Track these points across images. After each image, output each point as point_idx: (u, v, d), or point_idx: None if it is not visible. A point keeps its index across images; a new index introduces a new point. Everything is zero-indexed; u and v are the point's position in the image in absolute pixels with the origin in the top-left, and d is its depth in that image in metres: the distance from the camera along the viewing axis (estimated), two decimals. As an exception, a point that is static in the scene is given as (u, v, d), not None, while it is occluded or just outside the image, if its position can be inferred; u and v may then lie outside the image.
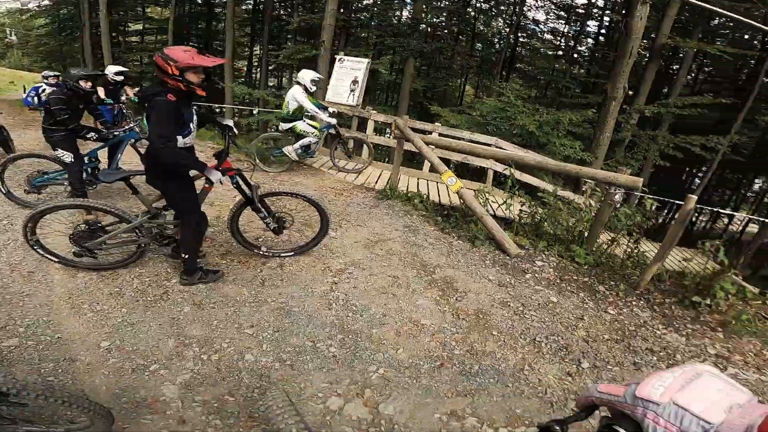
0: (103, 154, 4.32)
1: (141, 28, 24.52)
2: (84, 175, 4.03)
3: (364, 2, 17.04)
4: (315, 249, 3.48)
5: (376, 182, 5.84)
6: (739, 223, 19.83)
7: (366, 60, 7.29)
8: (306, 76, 5.46)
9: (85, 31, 19.64)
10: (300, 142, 5.56)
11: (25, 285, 2.72)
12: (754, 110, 12.02)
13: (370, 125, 7.17)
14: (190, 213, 2.71)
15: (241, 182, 2.91)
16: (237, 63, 20.73)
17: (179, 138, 2.51)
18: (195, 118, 2.65)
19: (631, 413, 0.50)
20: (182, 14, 21.04)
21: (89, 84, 4.03)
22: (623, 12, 12.44)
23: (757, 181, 19.14)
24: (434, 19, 16.45)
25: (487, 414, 2.07)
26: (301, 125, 5.54)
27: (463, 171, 9.31)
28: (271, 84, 21.60)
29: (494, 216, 4.33)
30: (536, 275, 3.53)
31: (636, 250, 4.04)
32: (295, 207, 4.07)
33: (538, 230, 4.32)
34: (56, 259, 2.87)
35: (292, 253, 3.37)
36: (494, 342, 2.60)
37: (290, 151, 5.60)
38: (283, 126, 5.60)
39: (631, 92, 11.09)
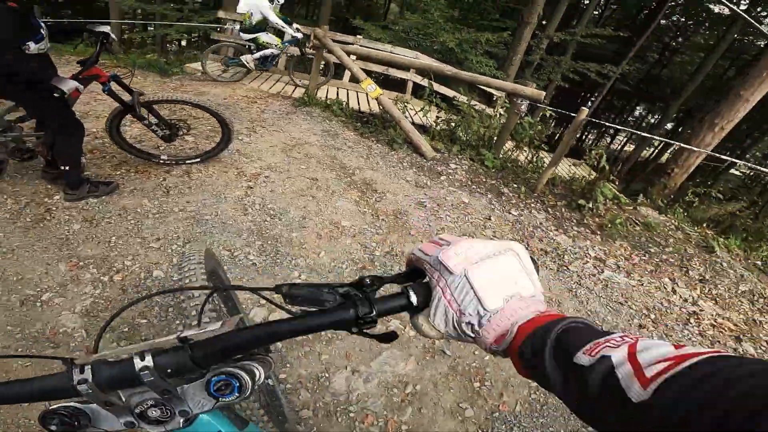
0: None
1: None
2: None
3: None
4: (226, 155, 3.23)
5: (293, 92, 5.53)
6: (619, 142, 22.93)
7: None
8: None
9: None
10: (261, 53, 5.45)
11: None
12: (645, 48, 13.19)
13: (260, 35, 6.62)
14: (61, 123, 2.33)
15: (117, 89, 2.52)
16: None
17: (30, 44, 2.10)
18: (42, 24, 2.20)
19: (429, 277, 0.43)
20: None
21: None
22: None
23: (638, 108, 22.01)
24: None
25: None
26: (264, 37, 5.40)
27: (385, 84, 9.22)
28: None
29: (412, 123, 4.39)
30: (450, 177, 3.69)
31: (536, 157, 4.41)
32: (193, 115, 3.69)
33: (453, 136, 4.49)
34: None
35: (198, 160, 3.08)
36: (412, 242, 2.71)
37: (248, 60, 5.44)
38: (245, 36, 5.43)
39: (544, 22, 11.52)
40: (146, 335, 1.86)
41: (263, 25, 5.35)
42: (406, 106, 4.55)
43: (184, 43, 16.13)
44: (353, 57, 4.65)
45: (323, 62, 5.99)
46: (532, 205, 3.57)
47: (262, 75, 6.21)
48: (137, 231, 2.35)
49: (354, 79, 5.14)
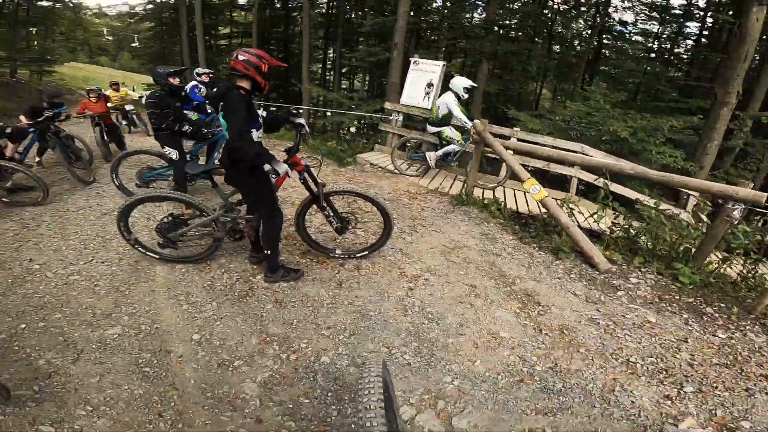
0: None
1: (228, 31, 26.61)
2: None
3: (435, 4, 17.06)
4: (390, 252, 3.55)
5: (450, 187, 5.78)
6: None
7: (441, 62, 7.21)
8: (459, 83, 5.51)
9: (183, 34, 21.53)
10: (443, 149, 5.69)
11: (132, 274, 3.06)
12: None
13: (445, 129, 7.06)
14: (267, 206, 2.87)
15: (308, 179, 3.02)
16: (312, 66, 21.54)
17: (253, 132, 2.65)
18: (260, 114, 2.82)
19: None
20: (263, 18, 22.41)
21: (177, 80, 4.35)
22: (731, 13, 11.25)
23: None
24: (508, 21, 16.04)
25: (570, 435, 1.92)
26: (448, 131, 5.61)
27: (542, 179, 8.88)
28: (343, 86, 22.26)
29: (580, 228, 4.04)
30: (630, 293, 3.23)
31: (754, 272, 3.52)
32: (362, 208, 4.18)
33: (634, 245, 3.95)
34: (156, 256, 3.21)
35: (366, 253, 3.43)
36: (581, 360, 2.43)
37: (431, 157, 5.75)
38: (431, 129, 5.75)
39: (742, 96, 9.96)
40: (306, 414, 2.00)
41: (448, 119, 5.56)
42: (572, 209, 4.23)
43: (353, 129, 18.29)
44: (511, 152, 4.60)
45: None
46: (748, 327, 2.84)
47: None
48: (313, 317, 2.68)
49: (514, 176, 5.07)
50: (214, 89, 5.08)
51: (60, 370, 2.17)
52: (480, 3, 16.46)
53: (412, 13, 12.97)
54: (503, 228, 4.38)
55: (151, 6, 27.34)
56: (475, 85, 5.85)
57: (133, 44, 35.20)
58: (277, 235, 2.99)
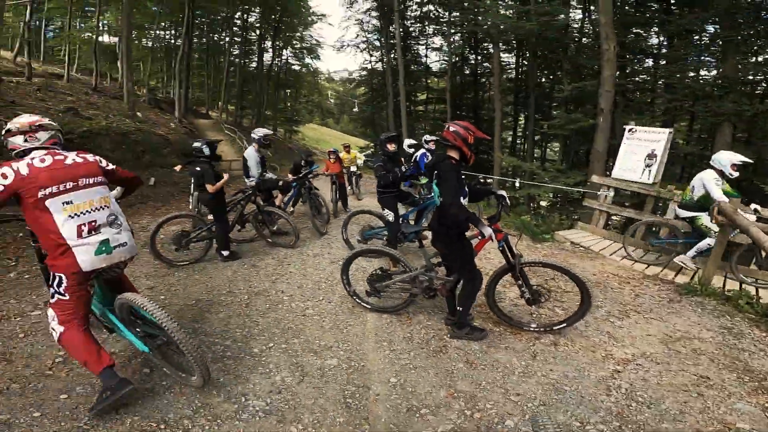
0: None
1: (425, 97, 29.03)
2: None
3: (645, 65, 15.60)
4: (595, 334, 3.47)
5: (675, 275, 5.01)
6: None
7: (667, 130, 6.52)
8: (724, 158, 4.59)
9: (389, 99, 24.39)
10: (697, 247, 4.79)
11: (350, 316, 3.74)
12: None
13: (670, 209, 5.95)
14: (469, 269, 3.17)
15: (506, 248, 3.21)
16: (503, 133, 22.08)
17: (462, 199, 2.98)
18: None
19: None
20: (455, 84, 23.94)
21: (393, 146, 4.79)
22: None
23: None
24: (752, 77, 13.21)
25: None
26: (705, 219, 4.66)
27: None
28: (536, 155, 21.77)
29: None
30: None
31: None
32: (559, 285, 4.16)
33: None
34: (368, 306, 3.82)
35: (564, 325, 3.40)
36: None
37: (685, 261, 4.96)
38: (681, 213, 4.92)
39: None
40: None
41: (707, 203, 4.57)
42: None
43: (543, 203, 17.34)
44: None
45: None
46: None
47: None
48: (502, 382, 2.82)
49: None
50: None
51: (288, 389, 2.66)
52: (711, 60, 14.14)
53: (617, 73, 12.07)
54: (754, 323, 3.74)
55: (364, 72, 31.80)
56: (748, 160, 4.63)
57: (355, 109, 41.13)
58: (473, 296, 3.25)
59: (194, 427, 2.28)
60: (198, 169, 4.92)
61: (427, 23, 26.02)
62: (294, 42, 34.65)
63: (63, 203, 2.24)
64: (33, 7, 19.28)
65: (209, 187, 4.81)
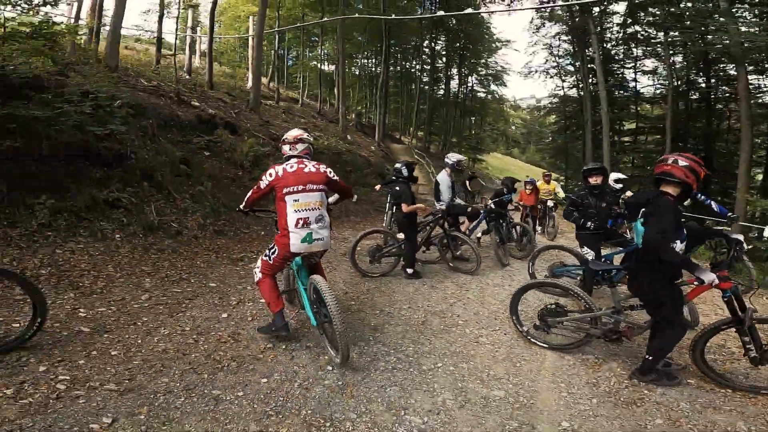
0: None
1: (634, 127, 25.41)
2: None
3: None
4: None
5: None
6: None
7: None
8: None
9: (587, 128, 22.45)
10: None
11: (526, 350, 3.75)
12: None
13: None
14: (675, 319, 2.90)
15: (734, 299, 2.84)
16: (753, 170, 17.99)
17: (677, 243, 2.72)
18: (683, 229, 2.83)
19: None
20: (677, 111, 20.58)
21: (597, 179, 4.50)
22: None
23: None
24: None
25: None
26: None
27: None
28: None
29: None
30: None
31: None
32: None
33: None
34: (545, 345, 3.75)
35: None
36: None
37: None
38: None
39: None
40: None
41: None
42: None
43: None
44: None
45: None
46: None
47: None
48: None
49: None
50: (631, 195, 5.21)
51: (447, 411, 2.73)
52: None
53: None
54: None
55: (555, 99, 30.12)
56: None
57: (546, 139, 39.47)
58: (671, 348, 2.98)
59: (354, 430, 2.48)
60: (397, 188, 5.55)
61: (633, 45, 23.57)
62: (479, 69, 35.57)
63: (293, 200, 3.15)
64: (279, 37, 24.83)
65: (404, 207, 5.37)
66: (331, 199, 3.66)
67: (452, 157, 6.57)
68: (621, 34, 23.46)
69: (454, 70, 35.90)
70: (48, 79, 6.47)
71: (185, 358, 3.15)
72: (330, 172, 3.39)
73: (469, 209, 6.67)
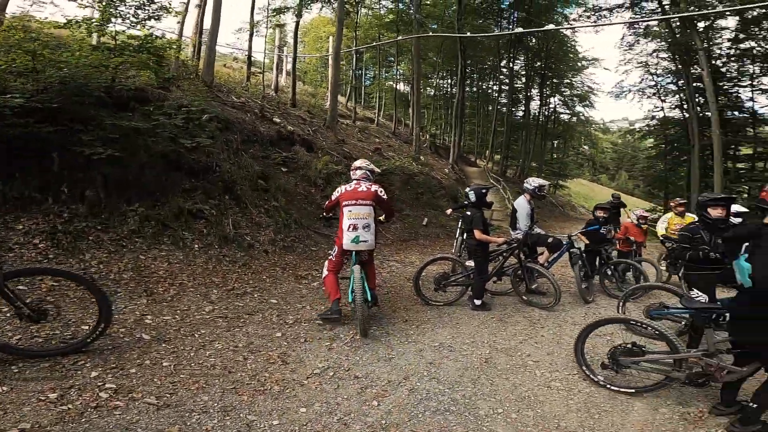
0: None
1: (751, 152, 22.27)
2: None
3: None
4: None
5: None
6: None
7: None
8: None
9: (693, 153, 20.03)
10: None
11: (608, 401, 3.27)
12: None
13: None
14: None
15: None
16: None
17: None
18: None
19: None
20: None
21: (720, 211, 3.73)
22: None
23: None
24: None
25: None
26: None
27: None
28: None
29: None
30: None
31: None
32: None
33: None
34: (631, 390, 3.32)
35: None
36: None
37: None
38: None
39: None
40: None
41: None
42: None
43: None
44: None
45: None
46: None
47: None
48: None
49: None
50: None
51: None
52: None
53: None
54: None
55: (653, 121, 27.44)
56: None
57: (639, 165, 36.58)
58: None
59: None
60: (468, 213, 5.32)
61: (749, 61, 20.91)
62: (562, 89, 33.90)
63: (348, 210, 4.34)
64: (356, 57, 25.70)
65: (477, 234, 5.12)
66: (381, 217, 4.82)
67: (533, 182, 6.17)
68: (733, 50, 21.02)
69: (535, 91, 34.70)
70: (151, 92, 7.21)
71: (230, 377, 3.18)
72: (380, 191, 4.51)
73: (550, 239, 6.13)
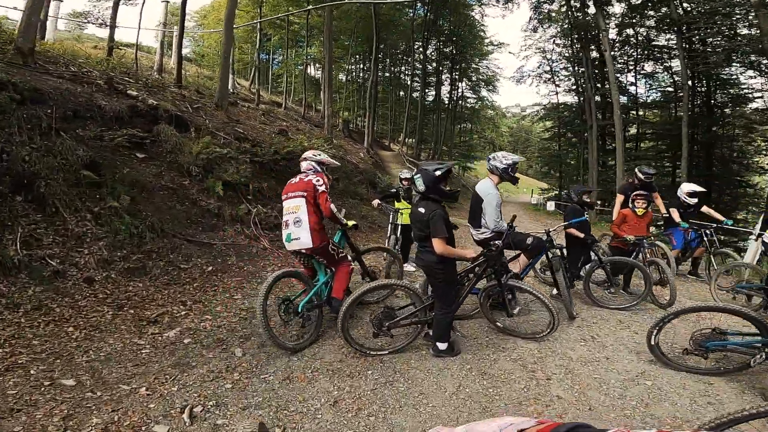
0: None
1: (634, 132, 23.69)
2: None
3: None
4: None
5: None
6: None
7: None
8: None
9: (592, 133, 20.47)
10: None
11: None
12: None
13: None
14: None
15: None
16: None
17: None
18: None
19: None
20: (677, 117, 19.13)
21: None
22: None
23: None
24: None
25: None
26: None
27: None
28: None
29: None
30: None
31: None
32: None
33: None
34: None
35: None
36: None
37: None
38: None
39: None
40: None
41: None
42: None
43: None
44: None
45: None
46: None
47: None
48: None
49: None
50: None
51: None
52: None
53: None
54: None
55: (547, 105, 28.43)
56: None
57: (531, 147, 38.31)
58: None
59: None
60: (421, 210, 3.07)
61: (631, 48, 22.00)
62: (470, 73, 33.72)
63: (284, 206, 3.68)
64: (262, 39, 22.57)
65: (437, 244, 2.95)
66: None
67: (505, 159, 4.03)
68: (618, 36, 21.79)
69: (445, 75, 33.99)
70: None
71: None
72: (317, 183, 3.59)
73: (530, 240, 4.12)
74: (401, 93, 33.88)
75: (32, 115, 5.04)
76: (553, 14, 24.19)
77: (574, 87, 25.65)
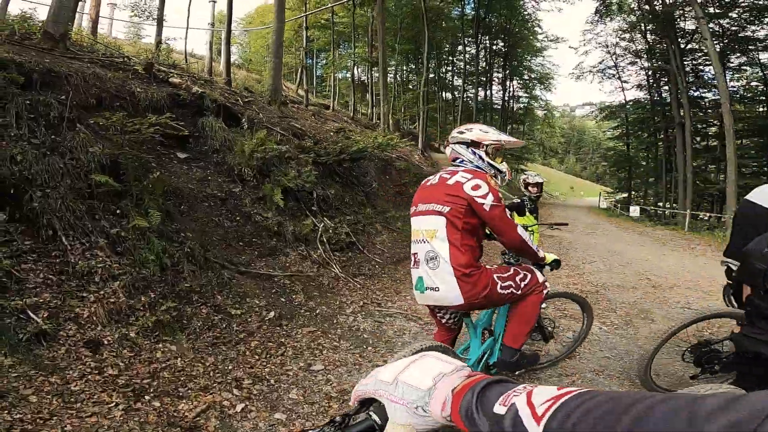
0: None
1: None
2: None
3: None
4: None
5: None
6: None
7: None
8: None
9: (686, 130, 18.25)
10: None
11: None
12: None
13: None
14: None
15: None
16: None
17: None
18: None
19: (378, 398, 0.53)
20: None
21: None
22: None
23: None
24: None
25: None
26: None
27: None
28: None
29: None
30: None
31: None
32: None
33: None
34: None
35: None
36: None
37: None
38: None
39: None
40: None
41: None
42: None
43: None
44: None
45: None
46: None
47: None
48: None
49: None
50: None
51: None
52: None
53: None
54: None
55: (615, 103, 26.42)
56: None
57: (590, 148, 35.62)
58: None
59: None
60: None
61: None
62: (522, 71, 31.16)
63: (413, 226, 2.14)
64: (309, 40, 21.61)
65: None
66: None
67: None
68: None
69: (496, 75, 31.64)
70: None
71: None
72: (474, 187, 1.89)
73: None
74: (447, 94, 31.91)
75: (39, 101, 3.66)
76: (624, 6, 21.49)
77: (644, 83, 22.96)
